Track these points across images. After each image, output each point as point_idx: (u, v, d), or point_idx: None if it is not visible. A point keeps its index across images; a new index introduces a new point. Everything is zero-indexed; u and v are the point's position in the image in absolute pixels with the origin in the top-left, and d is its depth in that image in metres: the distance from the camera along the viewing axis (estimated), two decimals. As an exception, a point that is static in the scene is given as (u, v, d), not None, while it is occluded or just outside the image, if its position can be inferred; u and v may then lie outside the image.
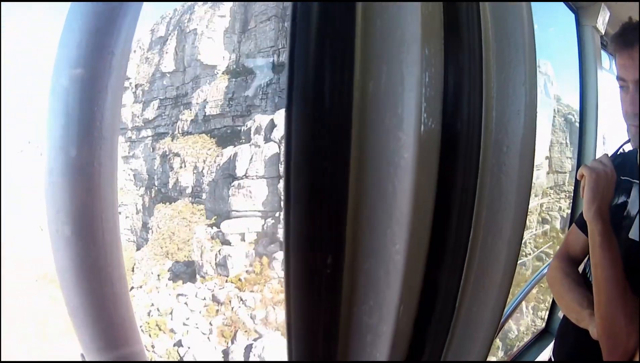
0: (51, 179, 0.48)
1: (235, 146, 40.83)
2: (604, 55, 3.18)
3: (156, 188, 58.30)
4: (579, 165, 3.34)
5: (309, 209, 0.59)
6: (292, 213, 0.59)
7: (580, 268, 1.50)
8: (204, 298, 28.80)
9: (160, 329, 27.83)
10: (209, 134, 49.60)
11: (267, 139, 36.02)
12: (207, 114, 51.64)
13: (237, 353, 23.39)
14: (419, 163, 0.46)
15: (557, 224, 29.03)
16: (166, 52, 62.51)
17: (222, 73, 53.93)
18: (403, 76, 0.55)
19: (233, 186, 35.61)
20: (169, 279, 35.14)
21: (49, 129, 0.50)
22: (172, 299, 30.59)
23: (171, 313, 28.75)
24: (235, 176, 35.53)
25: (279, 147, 31.56)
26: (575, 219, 1.54)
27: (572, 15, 2.96)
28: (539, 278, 2.95)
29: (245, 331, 24.94)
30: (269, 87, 45.07)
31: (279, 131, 33.62)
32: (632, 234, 1.24)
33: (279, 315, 23.03)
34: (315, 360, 0.68)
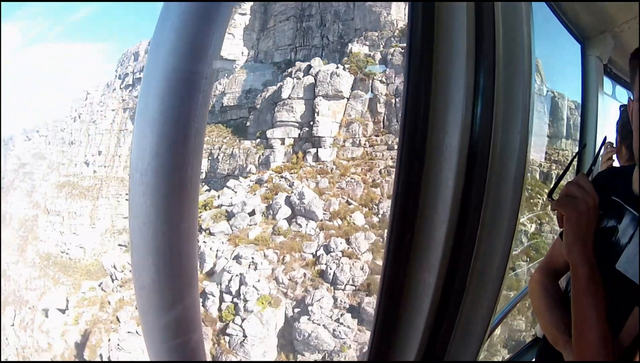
0: (144, 178, 0.59)
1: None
2: (606, 82, 3.54)
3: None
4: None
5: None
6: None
7: (562, 283, 1.53)
8: (249, 184, 32.68)
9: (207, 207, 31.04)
10: (225, 124, 51.19)
11: (307, 73, 37.86)
12: (224, 105, 53.75)
13: (279, 200, 27.78)
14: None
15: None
16: None
17: (241, 68, 56.54)
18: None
19: (278, 104, 38.21)
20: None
21: (143, 133, 0.60)
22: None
23: (219, 196, 32.62)
24: (280, 98, 38.72)
25: (315, 79, 34.25)
26: (560, 232, 1.46)
27: (578, 46, 3.27)
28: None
29: (284, 190, 29.02)
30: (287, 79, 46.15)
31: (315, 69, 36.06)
32: (620, 266, 1.21)
33: (310, 183, 28.21)
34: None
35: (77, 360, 34.19)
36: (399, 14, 36.57)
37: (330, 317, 18.04)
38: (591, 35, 3.14)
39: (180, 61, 0.58)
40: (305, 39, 52.07)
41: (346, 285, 19.45)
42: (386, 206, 22.37)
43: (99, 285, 40.95)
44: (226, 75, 56.88)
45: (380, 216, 22.46)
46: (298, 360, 21.32)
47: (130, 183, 0.64)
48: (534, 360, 3.11)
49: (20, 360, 38.87)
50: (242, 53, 57.47)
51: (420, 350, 1.28)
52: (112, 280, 39.60)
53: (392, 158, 24.42)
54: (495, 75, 1.16)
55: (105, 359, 31.35)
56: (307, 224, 25.11)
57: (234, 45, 56.53)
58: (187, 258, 0.65)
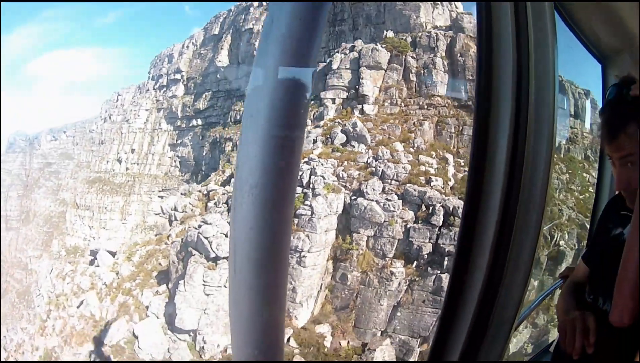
0: (254, 191, 0.83)
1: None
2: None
3: (203, 173, 65.92)
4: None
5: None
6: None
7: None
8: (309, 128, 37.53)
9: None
10: None
11: (351, 50, 43.12)
12: None
13: (336, 130, 34.12)
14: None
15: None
16: (221, 49, 71.97)
17: None
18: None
19: (329, 74, 42.71)
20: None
21: (250, 155, 0.86)
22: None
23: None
24: (331, 69, 43.50)
25: (358, 54, 40.37)
26: (582, 254, 1.94)
27: (599, 66, 3.46)
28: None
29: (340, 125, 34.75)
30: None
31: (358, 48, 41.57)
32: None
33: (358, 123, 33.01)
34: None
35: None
36: (427, 17, 40.38)
37: (381, 196, 24.72)
38: (611, 54, 3.26)
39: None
40: (338, 42, 54.05)
41: (392, 179, 26.17)
42: (419, 142, 28.88)
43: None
44: None
45: (414, 148, 29.18)
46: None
47: (238, 194, 0.91)
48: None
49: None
50: None
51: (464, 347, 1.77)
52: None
53: (422, 115, 30.85)
54: (528, 85, 1.61)
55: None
56: (359, 146, 30.45)
57: None
58: (283, 258, 0.89)
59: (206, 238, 26.52)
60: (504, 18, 1.52)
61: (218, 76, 72.67)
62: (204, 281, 25.62)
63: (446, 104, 29.62)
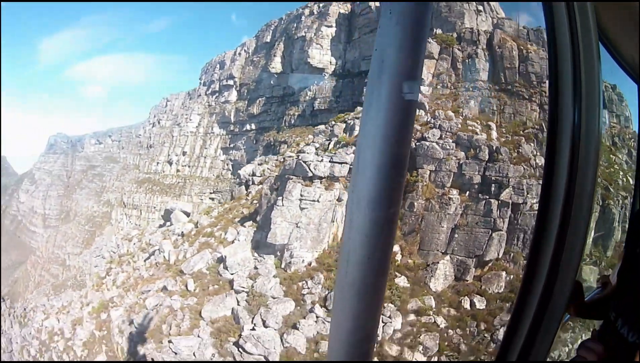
0: (370, 205, 1.08)
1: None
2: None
3: (255, 176, 70.60)
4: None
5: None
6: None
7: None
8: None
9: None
10: (315, 127, 56.16)
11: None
12: (315, 108, 63.82)
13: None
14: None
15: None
16: (274, 56, 76.99)
17: (330, 75, 66.50)
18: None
19: None
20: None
21: (367, 178, 1.11)
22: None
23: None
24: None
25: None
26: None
27: (635, 86, 3.44)
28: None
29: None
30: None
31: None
32: None
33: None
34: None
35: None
36: (471, 23, 44.28)
37: (439, 140, 30.11)
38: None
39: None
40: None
41: (446, 131, 30.25)
42: (466, 112, 33.72)
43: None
44: (316, 82, 67.24)
45: (462, 116, 33.09)
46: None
47: (355, 207, 1.16)
48: None
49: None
50: (330, 62, 67.32)
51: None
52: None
53: (468, 96, 35.72)
54: (581, 87, 1.83)
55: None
56: (418, 111, 34.13)
57: (322, 55, 67.25)
58: (386, 266, 1.16)
59: (304, 162, 31.96)
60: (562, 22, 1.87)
61: (272, 82, 77.18)
62: (301, 196, 30.69)
63: (488, 87, 34.92)
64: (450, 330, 22.05)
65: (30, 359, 45.01)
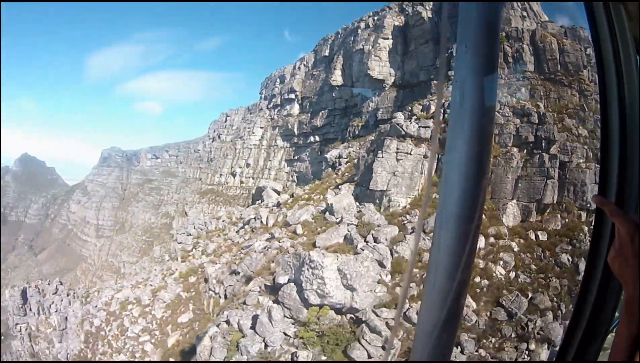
0: (456, 221, 1.41)
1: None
2: None
3: (322, 186, 79.65)
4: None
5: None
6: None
7: None
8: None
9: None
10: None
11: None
12: (378, 119, 67.25)
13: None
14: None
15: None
16: (334, 69, 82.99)
17: (390, 86, 71.01)
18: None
19: None
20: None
21: (451, 198, 1.43)
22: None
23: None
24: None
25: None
26: None
27: None
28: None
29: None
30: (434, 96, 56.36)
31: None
32: None
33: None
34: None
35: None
36: (517, 24, 49.99)
37: (499, 109, 35.53)
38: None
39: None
40: (439, 73, 61.72)
41: (504, 105, 36.70)
42: (518, 96, 39.68)
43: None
44: (377, 93, 72.03)
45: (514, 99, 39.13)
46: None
47: (444, 224, 1.41)
48: None
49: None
50: (390, 74, 71.43)
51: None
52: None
53: (519, 85, 41.45)
54: (623, 77, 2.20)
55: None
56: None
57: (381, 66, 71.49)
58: (469, 276, 1.38)
59: (397, 124, 39.59)
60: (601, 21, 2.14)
61: (333, 95, 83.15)
62: (397, 149, 37.87)
63: (534, 77, 41.28)
64: (521, 253, 28.98)
65: (93, 330, 47.98)
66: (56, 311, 55.20)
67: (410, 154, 37.37)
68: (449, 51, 55.49)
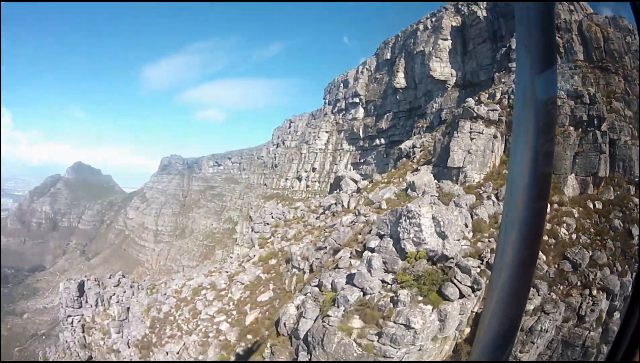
0: (522, 225, 1.66)
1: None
2: None
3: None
4: None
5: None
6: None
7: None
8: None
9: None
10: None
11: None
12: (442, 119, 69.92)
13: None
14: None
15: None
16: (397, 71, 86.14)
17: (452, 87, 73.74)
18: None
19: None
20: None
21: (515, 206, 1.70)
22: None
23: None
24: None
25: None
26: None
27: None
28: None
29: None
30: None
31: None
32: None
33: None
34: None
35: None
36: (564, 15, 52.73)
37: None
38: None
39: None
40: (500, 65, 63.18)
41: None
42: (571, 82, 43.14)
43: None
44: (440, 94, 74.73)
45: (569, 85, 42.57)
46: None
47: (509, 229, 1.61)
48: None
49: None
50: (451, 74, 74.42)
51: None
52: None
53: (572, 73, 44.53)
54: None
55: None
56: None
57: (443, 67, 74.71)
58: (531, 270, 1.63)
59: (469, 107, 44.06)
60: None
61: (397, 97, 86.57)
62: (470, 129, 42.22)
63: (585, 65, 45.47)
64: (581, 219, 33.38)
65: (161, 316, 49.73)
66: (117, 302, 57.68)
67: (482, 133, 41.80)
68: (507, 45, 62.38)
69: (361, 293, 27.24)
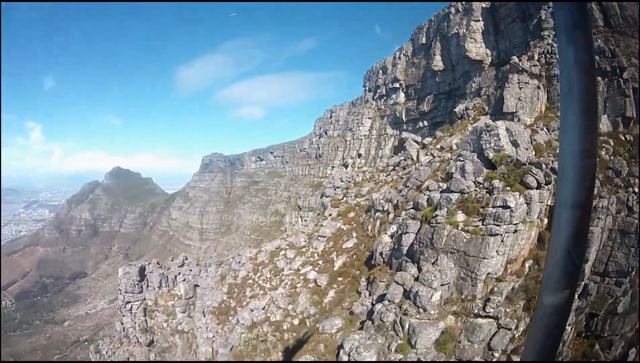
0: (574, 201, 2.08)
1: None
2: None
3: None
4: None
5: None
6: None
7: None
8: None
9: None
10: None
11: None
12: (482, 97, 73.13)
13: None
14: None
15: None
16: (434, 55, 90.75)
17: (489, 66, 77.94)
18: None
19: None
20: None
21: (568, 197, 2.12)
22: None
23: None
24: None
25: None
26: None
27: None
28: None
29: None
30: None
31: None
32: None
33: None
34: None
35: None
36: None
37: None
38: None
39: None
40: (534, 35, 66.10)
41: None
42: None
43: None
44: (477, 73, 78.56)
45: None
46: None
47: (561, 211, 2.03)
48: None
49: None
50: (487, 54, 78.43)
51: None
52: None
53: (621, 52, 47.98)
54: None
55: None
56: None
57: (477, 47, 79.11)
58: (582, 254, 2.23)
59: (515, 63, 54.81)
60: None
61: (436, 80, 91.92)
62: (518, 80, 50.93)
63: (605, 30, 50.58)
64: (616, 146, 41.57)
65: (238, 281, 53.47)
66: (184, 280, 60.53)
67: (528, 84, 50.72)
68: (538, 17, 66.94)
69: (459, 194, 34.77)
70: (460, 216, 32.41)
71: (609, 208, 35.20)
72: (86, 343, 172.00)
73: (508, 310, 28.50)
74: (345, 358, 29.21)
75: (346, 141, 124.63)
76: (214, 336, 48.88)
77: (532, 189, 32.06)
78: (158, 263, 66.24)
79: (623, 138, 42.20)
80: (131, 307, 58.70)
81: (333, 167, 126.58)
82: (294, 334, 42.09)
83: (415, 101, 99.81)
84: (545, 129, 44.76)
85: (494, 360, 27.04)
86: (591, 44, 1.76)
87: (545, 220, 33.07)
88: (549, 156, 38.64)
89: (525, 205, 30.96)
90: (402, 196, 48.95)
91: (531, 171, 32.79)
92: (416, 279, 31.80)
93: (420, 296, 29.78)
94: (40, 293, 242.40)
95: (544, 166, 34.04)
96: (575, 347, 31.67)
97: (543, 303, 2.20)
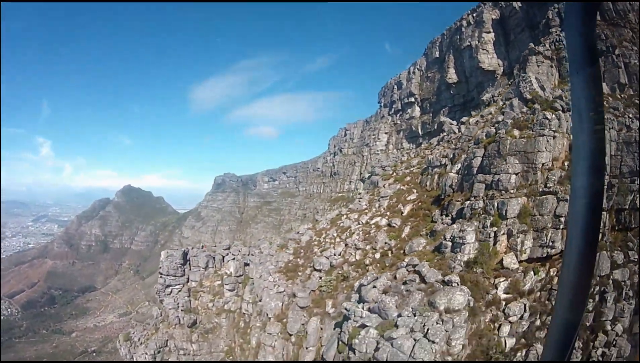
0: (585, 210, 2.25)
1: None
2: None
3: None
4: None
5: None
6: None
7: None
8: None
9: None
10: None
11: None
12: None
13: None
14: None
15: None
16: (448, 68, 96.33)
17: (501, 75, 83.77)
18: None
19: None
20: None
21: (582, 199, 2.31)
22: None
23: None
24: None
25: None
26: None
27: None
28: None
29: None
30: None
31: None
32: None
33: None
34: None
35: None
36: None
37: None
38: None
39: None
40: (543, 33, 70.24)
41: None
42: None
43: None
44: (491, 84, 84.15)
45: None
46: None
47: (576, 205, 2.22)
48: None
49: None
50: (499, 64, 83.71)
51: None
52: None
53: None
54: None
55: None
56: None
57: (490, 58, 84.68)
58: (592, 261, 2.33)
59: (532, 48, 65.84)
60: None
61: (451, 92, 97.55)
62: (536, 60, 61.90)
63: (601, 24, 56.82)
64: (626, 107, 48.10)
65: (302, 244, 57.44)
66: (233, 259, 65.58)
67: (543, 62, 61.54)
68: (545, 16, 73.99)
69: (511, 120, 50.04)
70: (516, 132, 46.48)
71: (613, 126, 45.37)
72: (94, 354, 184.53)
73: (561, 188, 39.92)
74: (449, 245, 42.13)
75: (363, 156, 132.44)
76: (284, 290, 53.89)
77: (559, 111, 45.84)
78: (203, 248, 72.62)
79: (619, 97, 51.82)
80: (171, 290, 63.11)
81: (351, 181, 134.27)
82: (378, 265, 49.67)
83: (431, 114, 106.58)
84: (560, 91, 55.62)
85: (493, 360, 32.40)
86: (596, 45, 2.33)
87: (571, 136, 44.33)
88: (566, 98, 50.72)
89: (556, 120, 44.69)
90: (458, 148, 60.47)
91: (557, 101, 47.87)
92: (493, 174, 45.28)
93: (501, 181, 43.72)
94: (48, 304, 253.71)
95: (564, 99, 48.99)
96: (613, 236, 39.33)
97: (561, 299, 2.50)
